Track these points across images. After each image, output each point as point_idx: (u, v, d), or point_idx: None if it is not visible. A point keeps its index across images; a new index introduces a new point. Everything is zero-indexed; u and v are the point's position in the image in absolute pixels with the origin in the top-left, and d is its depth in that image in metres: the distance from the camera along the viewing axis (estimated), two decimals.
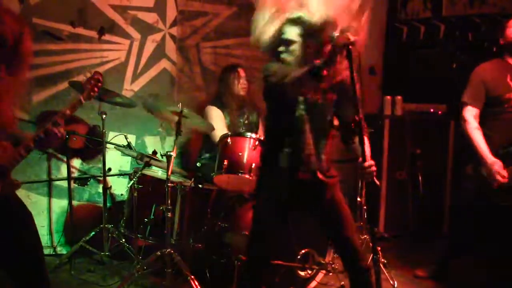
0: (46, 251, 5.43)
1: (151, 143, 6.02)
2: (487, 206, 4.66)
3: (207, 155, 5.44)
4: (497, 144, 4.61)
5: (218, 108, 5.47)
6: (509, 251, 5.22)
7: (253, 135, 4.79)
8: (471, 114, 4.70)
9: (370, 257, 5.14)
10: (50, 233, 5.56)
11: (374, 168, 3.30)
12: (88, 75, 3.44)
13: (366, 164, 3.25)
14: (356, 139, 3.36)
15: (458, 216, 5.20)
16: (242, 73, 5.52)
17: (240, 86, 5.50)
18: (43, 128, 3.09)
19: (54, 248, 5.52)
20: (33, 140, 3.08)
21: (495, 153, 4.58)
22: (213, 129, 5.09)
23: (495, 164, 4.52)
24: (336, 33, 3.05)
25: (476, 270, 5.41)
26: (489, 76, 4.70)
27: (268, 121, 3.61)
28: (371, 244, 5.27)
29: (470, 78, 4.78)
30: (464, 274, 5.23)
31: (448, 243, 5.22)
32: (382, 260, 4.84)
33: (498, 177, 4.49)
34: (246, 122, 5.58)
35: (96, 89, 3.47)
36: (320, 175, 3.46)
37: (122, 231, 5.11)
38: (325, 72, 3.05)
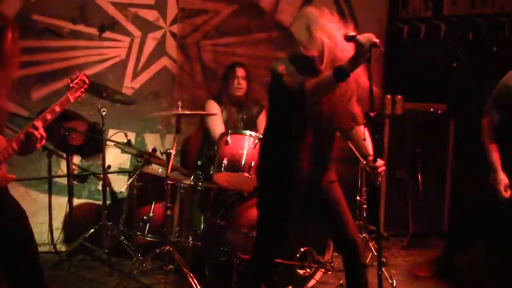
0: (46, 248, 5.44)
1: (151, 141, 6.01)
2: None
3: (208, 153, 5.43)
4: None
5: (217, 103, 5.46)
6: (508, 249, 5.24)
7: (253, 133, 4.78)
8: (490, 122, 4.56)
9: (369, 256, 5.20)
10: (50, 230, 5.55)
11: (383, 168, 3.32)
12: (74, 76, 3.47)
13: (378, 164, 3.28)
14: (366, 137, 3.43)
15: (472, 214, 5.12)
16: (240, 72, 5.47)
17: (235, 85, 5.45)
18: (25, 130, 3.08)
19: (54, 245, 5.52)
20: (17, 143, 3.06)
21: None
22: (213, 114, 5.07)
23: (502, 181, 4.44)
24: (361, 36, 3.01)
25: (476, 269, 5.41)
26: None
27: (274, 118, 3.61)
28: (371, 243, 5.33)
29: (497, 85, 4.57)
30: (464, 274, 5.22)
31: (448, 242, 5.22)
32: (382, 259, 4.84)
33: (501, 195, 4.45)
34: (245, 117, 5.55)
35: (82, 89, 3.50)
36: (322, 183, 3.54)
37: (121, 228, 5.11)
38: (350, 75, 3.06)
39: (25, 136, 3.05)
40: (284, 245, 3.80)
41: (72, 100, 3.40)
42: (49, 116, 3.18)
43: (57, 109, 3.25)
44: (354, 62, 3.01)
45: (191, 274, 4.45)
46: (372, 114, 3.08)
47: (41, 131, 3.07)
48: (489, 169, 4.52)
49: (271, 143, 3.61)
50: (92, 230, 5.09)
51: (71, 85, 3.45)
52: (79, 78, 3.48)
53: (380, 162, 3.31)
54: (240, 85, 5.46)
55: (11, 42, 3.01)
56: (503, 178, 4.46)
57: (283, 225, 3.62)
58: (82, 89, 3.50)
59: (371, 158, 3.39)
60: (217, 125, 5.29)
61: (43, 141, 3.12)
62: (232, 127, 5.33)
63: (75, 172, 5.66)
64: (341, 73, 3.04)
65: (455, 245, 5.13)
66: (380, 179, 3.34)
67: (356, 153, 3.75)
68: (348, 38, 3.05)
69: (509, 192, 4.45)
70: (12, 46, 3.02)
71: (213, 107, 5.41)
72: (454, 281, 5.02)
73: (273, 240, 3.64)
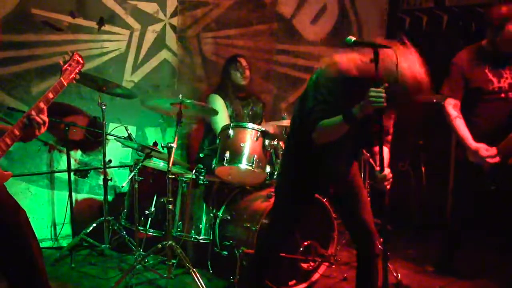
0: (47, 244, 5.41)
1: (152, 134, 5.99)
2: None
3: (210, 146, 5.40)
4: (482, 128, 4.66)
5: (221, 97, 5.42)
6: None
7: (255, 127, 4.76)
8: (450, 105, 4.77)
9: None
10: (51, 226, 5.53)
11: (391, 176, 3.30)
12: (67, 57, 3.34)
13: (385, 173, 3.26)
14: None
15: (458, 204, 5.15)
16: (243, 62, 5.48)
17: (241, 76, 5.46)
18: (26, 115, 3.00)
19: (56, 241, 5.49)
20: (18, 128, 2.99)
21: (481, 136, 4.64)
22: (216, 113, 5.03)
23: (480, 149, 4.58)
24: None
25: (481, 262, 5.39)
26: (468, 68, 4.74)
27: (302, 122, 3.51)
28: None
29: (449, 69, 4.83)
30: (469, 266, 5.18)
31: (448, 233, 5.18)
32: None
33: (488, 160, 4.57)
34: (250, 113, 5.53)
35: (77, 70, 3.36)
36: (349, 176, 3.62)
37: (123, 223, 5.09)
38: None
39: (24, 124, 2.97)
40: (289, 238, 3.79)
41: (66, 84, 3.26)
42: (42, 105, 3.07)
43: (51, 95, 3.14)
44: (363, 109, 3.10)
45: (194, 269, 4.43)
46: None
47: (44, 116, 3.00)
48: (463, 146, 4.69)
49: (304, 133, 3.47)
50: (94, 225, 5.06)
51: (64, 67, 3.33)
52: (72, 58, 3.36)
53: (386, 171, 3.29)
54: (246, 74, 5.47)
55: None
56: (478, 145, 4.59)
57: (299, 212, 3.63)
58: (77, 70, 3.36)
59: (378, 168, 3.35)
60: (221, 119, 5.24)
61: (46, 127, 3.04)
62: (239, 120, 5.32)
63: (76, 166, 5.62)
64: (350, 116, 3.11)
65: (454, 237, 5.10)
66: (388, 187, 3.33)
67: (371, 160, 3.71)
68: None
69: (494, 151, 4.55)
70: None
71: (217, 101, 5.37)
72: (459, 274, 5.00)
73: (284, 230, 3.68)
